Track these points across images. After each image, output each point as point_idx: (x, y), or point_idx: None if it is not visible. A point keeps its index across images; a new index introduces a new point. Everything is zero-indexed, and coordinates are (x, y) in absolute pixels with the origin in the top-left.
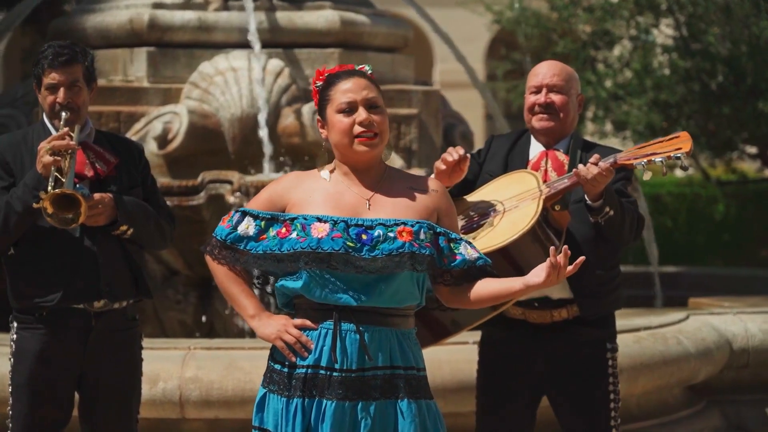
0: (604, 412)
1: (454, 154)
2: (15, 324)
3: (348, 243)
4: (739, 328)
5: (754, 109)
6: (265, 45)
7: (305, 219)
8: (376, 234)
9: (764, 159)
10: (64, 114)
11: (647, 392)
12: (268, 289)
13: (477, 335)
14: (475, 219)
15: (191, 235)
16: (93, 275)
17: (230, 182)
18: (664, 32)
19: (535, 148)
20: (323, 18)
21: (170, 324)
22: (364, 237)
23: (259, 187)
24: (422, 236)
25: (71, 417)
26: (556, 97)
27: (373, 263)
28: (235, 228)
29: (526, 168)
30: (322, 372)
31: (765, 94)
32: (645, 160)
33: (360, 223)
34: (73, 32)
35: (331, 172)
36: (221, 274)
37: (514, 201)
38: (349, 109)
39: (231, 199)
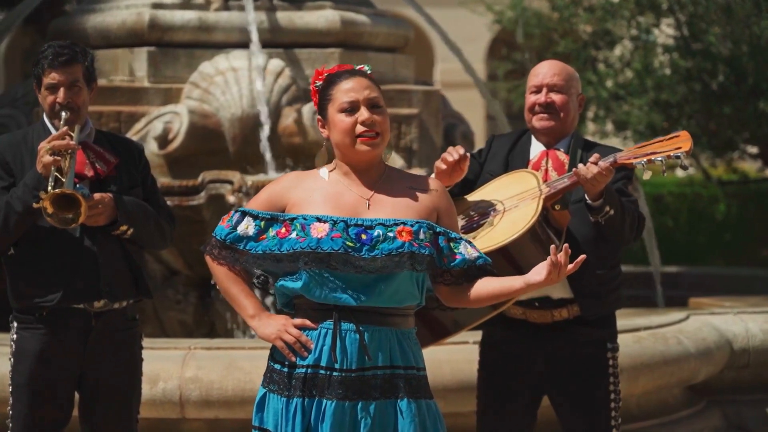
0: (604, 412)
1: (454, 153)
2: (15, 324)
3: (347, 243)
4: (739, 328)
5: (755, 109)
6: (265, 45)
7: (305, 219)
8: (375, 234)
9: (765, 159)
10: (64, 114)
11: (647, 392)
12: (270, 290)
13: (477, 335)
14: (475, 218)
15: (191, 235)
16: (93, 275)
17: (231, 182)
18: (665, 32)
19: (536, 148)
20: (323, 18)
21: (170, 324)
22: (363, 237)
23: (259, 187)
24: (422, 236)
25: (71, 417)
26: (556, 97)
27: (373, 263)
28: (234, 228)
29: (526, 168)
30: (322, 372)
31: (766, 93)
32: (645, 160)
33: (359, 223)
34: (73, 32)
35: (330, 171)
36: (221, 274)
37: (514, 200)
38: (351, 108)
39: (231, 199)
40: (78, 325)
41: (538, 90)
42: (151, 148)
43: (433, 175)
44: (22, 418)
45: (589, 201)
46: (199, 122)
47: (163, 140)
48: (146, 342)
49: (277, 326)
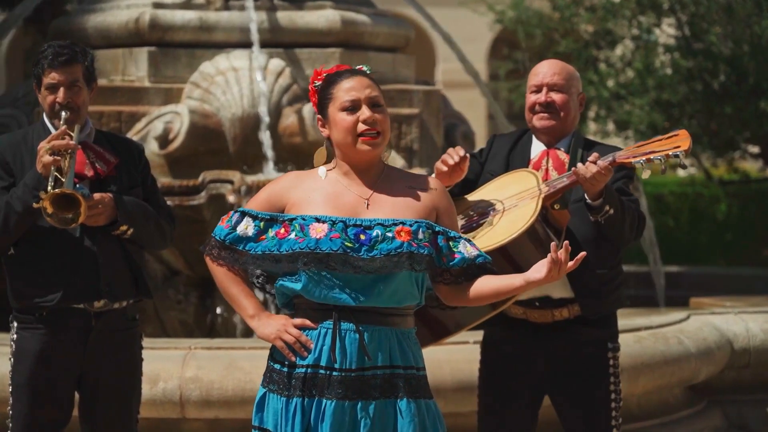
0: (605, 412)
1: (454, 156)
2: (15, 324)
3: (346, 243)
4: (740, 327)
5: (756, 109)
6: (265, 45)
7: (304, 219)
8: (374, 234)
9: (766, 158)
10: (64, 114)
11: (648, 392)
12: (272, 290)
13: (477, 335)
14: (475, 218)
15: (192, 235)
16: (93, 275)
17: (231, 182)
18: (666, 32)
19: (537, 148)
20: (324, 18)
21: (171, 324)
22: (362, 237)
23: (260, 187)
24: (421, 236)
25: (71, 417)
26: (556, 96)
27: (372, 263)
28: (234, 228)
29: (527, 167)
30: (322, 371)
31: (767, 93)
32: (644, 159)
33: (358, 223)
34: (74, 32)
35: (330, 170)
36: (220, 274)
37: (514, 200)
38: (353, 107)
39: (232, 198)
40: (78, 325)
41: (538, 89)
42: (152, 147)
43: (433, 175)
44: (22, 418)
45: (588, 200)
46: (199, 122)
47: (164, 140)
48: (146, 342)
49: (276, 326)
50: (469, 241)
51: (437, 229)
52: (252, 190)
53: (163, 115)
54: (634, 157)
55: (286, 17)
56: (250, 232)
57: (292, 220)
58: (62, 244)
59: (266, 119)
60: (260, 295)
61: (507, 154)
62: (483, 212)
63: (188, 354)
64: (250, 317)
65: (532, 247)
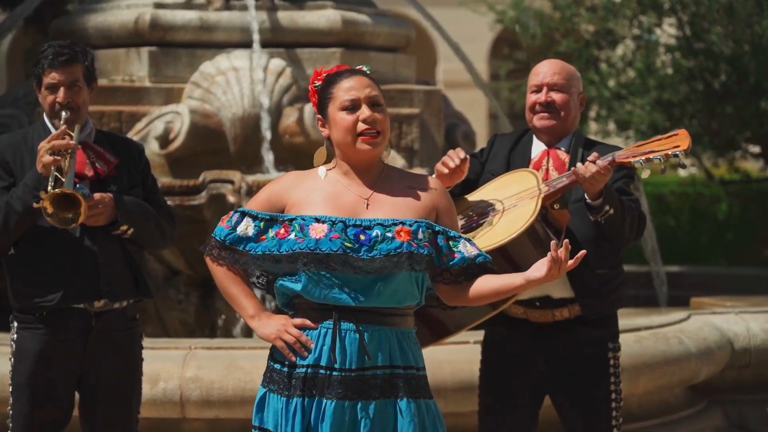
0: (605, 412)
1: (455, 158)
2: (15, 324)
3: (346, 244)
4: (740, 327)
5: (757, 108)
6: (266, 45)
7: (303, 220)
8: (374, 234)
9: (767, 158)
10: (64, 114)
11: (648, 392)
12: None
13: (478, 335)
14: (475, 218)
15: (192, 235)
16: (93, 275)
17: (231, 182)
18: (667, 31)
19: (537, 147)
20: (325, 18)
21: (172, 324)
22: (362, 237)
23: (260, 187)
24: (420, 236)
25: (71, 417)
26: (556, 96)
27: (371, 264)
28: (234, 229)
29: (527, 167)
30: (322, 371)
31: None
32: (643, 158)
33: (358, 223)
34: (74, 32)
35: (330, 170)
36: (221, 274)
37: (514, 200)
38: (353, 106)
39: (232, 198)
40: (78, 325)
41: (538, 89)
42: (153, 147)
43: (433, 175)
44: (22, 418)
45: (588, 200)
46: (200, 122)
47: (165, 140)
48: (147, 342)
49: (277, 326)
50: (469, 240)
51: (437, 228)
52: (252, 190)
53: (163, 115)
54: (634, 156)
55: (287, 17)
56: (251, 232)
57: (291, 220)
58: (62, 244)
59: (267, 119)
60: (260, 294)
61: (508, 153)
62: (483, 212)
63: (188, 354)
64: (251, 317)
65: (531, 247)
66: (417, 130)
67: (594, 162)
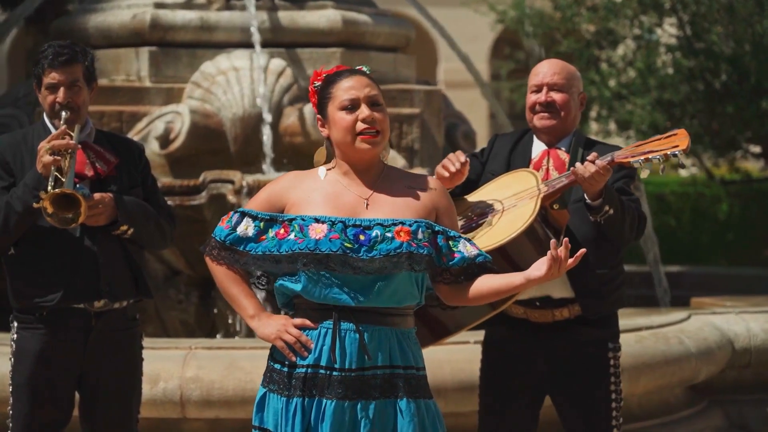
0: (605, 412)
1: (455, 162)
2: (15, 324)
3: (345, 244)
4: (741, 327)
5: (758, 108)
6: (267, 44)
7: (303, 220)
8: (373, 234)
9: None
10: (64, 113)
11: (649, 392)
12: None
13: (478, 335)
14: (474, 219)
15: (193, 235)
16: (93, 275)
17: (232, 182)
18: (668, 31)
19: (537, 147)
20: (325, 18)
21: (172, 324)
22: (361, 237)
23: (260, 187)
24: (420, 236)
25: (71, 417)
26: (556, 96)
27: (371, 264)
28: (234, 229)
29: (528, 167)
30: (322, 371)
31: None
32: (642, 158)
33: (358, 223)
34: (75, 32)
35: (329, 170)
36: (221, 274)
37: (513, 200)
38: (352, 106)
39: (232, 198)
40: (78, 325)
41: (538, 89)
42: (153, 147)
43: (433, 176)
44: (22, 418)
45: (588, 200)
46: (200, 122)
47: (165, 140)
48: (147, 342)
49: (277, 326)
50: (468, 240)
51: (437, 228)
52: (252, 190)
53: (164, 115)
54: (633, 156)
55: (287, 17)
56: (251, 232)
57: (291, 220)
58: (62, 244)
59: (267, 119)
60: (260, 295)
61: (508, 153)
62: (482, 212)
63: (189, 354)
64: (251, 317)
65: (531, 247)
66: (417, 130)
67: (593, 162)
